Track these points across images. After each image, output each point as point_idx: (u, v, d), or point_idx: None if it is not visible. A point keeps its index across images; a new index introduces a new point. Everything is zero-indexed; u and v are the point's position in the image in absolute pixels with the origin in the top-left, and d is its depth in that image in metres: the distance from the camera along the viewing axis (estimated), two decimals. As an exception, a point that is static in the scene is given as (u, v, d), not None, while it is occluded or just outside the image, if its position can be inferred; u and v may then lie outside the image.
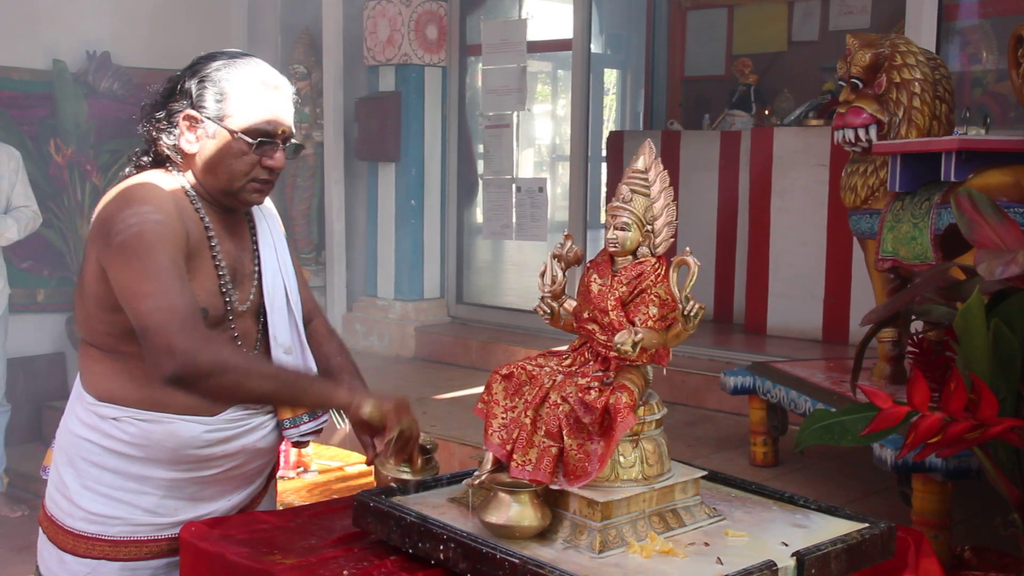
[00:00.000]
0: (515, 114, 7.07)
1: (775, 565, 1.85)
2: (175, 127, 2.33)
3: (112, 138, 6.96)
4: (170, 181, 2.33)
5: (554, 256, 2.17)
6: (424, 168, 7.38)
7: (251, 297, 2.46)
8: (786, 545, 1.98)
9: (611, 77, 11.17)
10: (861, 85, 3.92)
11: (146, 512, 2.34)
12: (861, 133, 3.87)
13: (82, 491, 2.34)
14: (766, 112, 7.66)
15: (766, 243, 6.37)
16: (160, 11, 7.46)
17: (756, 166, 6.48)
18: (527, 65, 6.97)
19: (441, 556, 1.95)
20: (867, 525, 2.08)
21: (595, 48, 8.34)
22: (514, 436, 2.05)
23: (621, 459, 2.02)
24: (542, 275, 2.17)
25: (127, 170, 2.41)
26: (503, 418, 2.09)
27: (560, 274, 2.17)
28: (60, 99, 7.04)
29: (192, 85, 2.32)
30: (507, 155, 7.09)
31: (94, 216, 2.30)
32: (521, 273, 8.59)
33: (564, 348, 2.19)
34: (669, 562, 1.91)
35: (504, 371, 2.13)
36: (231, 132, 2.31)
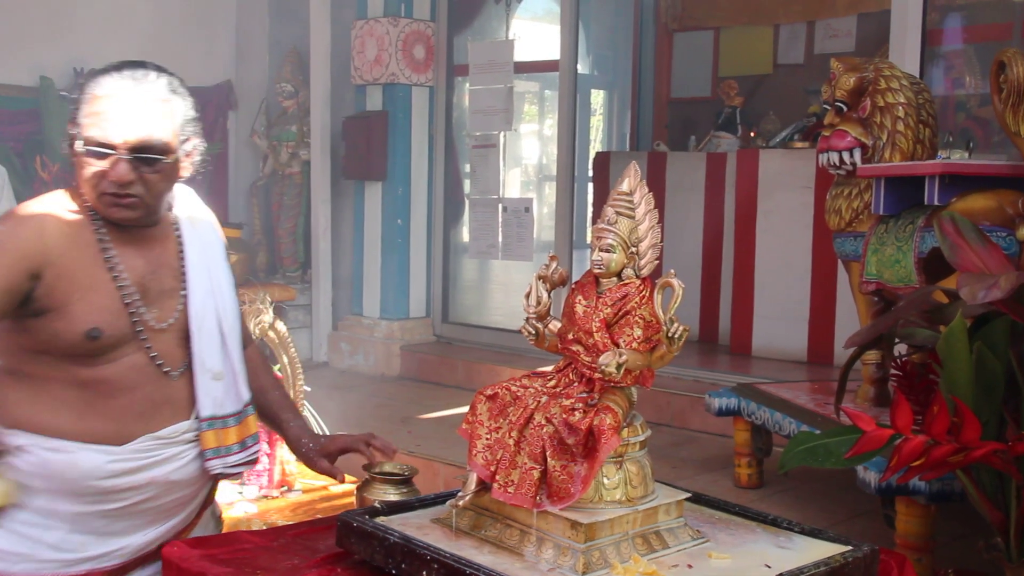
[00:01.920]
0: (502, 134, 7.09)
1: (758, 587, 1.84)
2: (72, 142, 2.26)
3: (98, 155, 6.95)
4: (65, 200, 2.27)
5: (539, 277, 2.18)
6: (411, 187, 7.38)
7: (175, 316, 2.34)
8: (769, 567, 1.98)
9: (598, 98, 11.21)
10: (846, 108, 3.94)
11: (51, 548, 2.22)
12: (845, 156, 3.90)
13: None
14: (752, 134, 7.70)
15: (751, 264, 6.39)
16: (148, 29, 7.46)
17: (741, 188, 6.50)
18: (514, 85, 7.00)
19: (424, 577, 1.94)
20: (850, 548, 2.08)
21: (582, 69, 8.37)
22: (498, 457, 2.04)
23: (605, 480, 2.02)
24: (527, 296, 2.17)
25: None
26: (487, 439, 2.08)
27: (545, 295, 2.17)
28: (46, 115, 7.03)
29: (75, 98, 2.26)
30: (494, 175, 7.11)
31: None
32: (507, 293, 8.60)
33: (549, 369, 2.19)
34: (652, 584, 1.91)
35: (489, 392, 2.13)
36: (76, 145, 2.22)
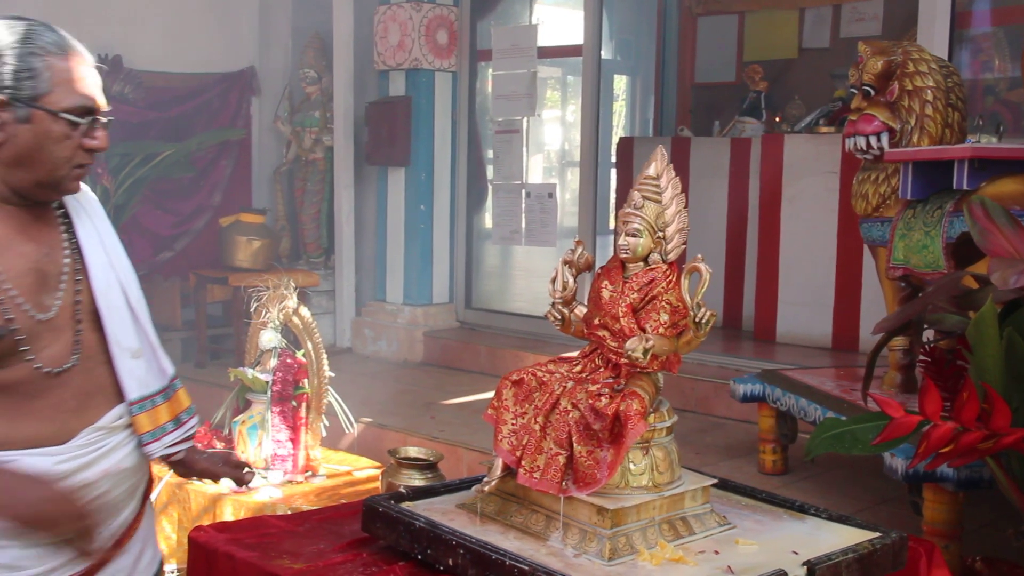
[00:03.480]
0: (525, 119, 7.07)
1: (786, 574, 1.84)
2: None
3: (123, 141, 6.96)
4: None
5: (565, 262, 2.17)
6: (434, 173, 7.38)
7: (79, 298, 2.11)
8: (796, 554, 1.97)
9: (621, 83, 11.17)
10: (873, 92, 3.91)
11: (6, 569, 2.00)
12: (873, 141, 3.86)
13: None
14: (776, 119, 7.65)
15: (776, 250, 6.36)
16: (172, 15, 7.47)
17: (766, 173, 6.46)
18: (537, 71, 6.97)
19: (450, 562, 1.94)
20: (879, 535, 2.07)
21: (605, 54, 8.34)
22: (523, 442, 2.04)
23: (631, 466, 2.01)
24: (553, 281, 2.17)
25: None
26: (513, 424, 2.08)
27: (571, 280, 2.16)
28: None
29: None
30: (517, 160, 7.09)
31: None
32: (530, 279, 8.59)
33: (574, 354, 2.18)
34: (679, 570, 1.90)
35: (514, 377, 2.12)
36: (52, 113, 1.96)
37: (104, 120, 2.05)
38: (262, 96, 8.34)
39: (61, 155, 2.00)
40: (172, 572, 3.89)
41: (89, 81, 2.02)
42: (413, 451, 2.52)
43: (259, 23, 8.40)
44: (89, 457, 2.07)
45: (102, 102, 2.04)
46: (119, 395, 2.15)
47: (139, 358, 2.18)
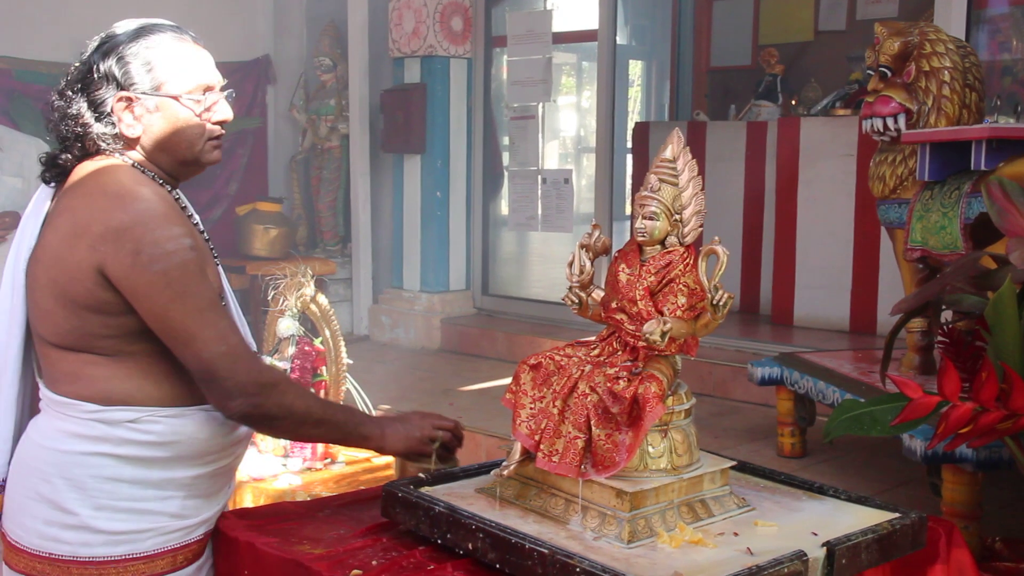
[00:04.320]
0: (540, 105, 7.06)
1: (805, 555, 1.84)
2: (107, 115, 2.13)
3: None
4: (133, 174, 2.15)
5: (582, 246, 2.17)
6: (450, 160, 7.38)
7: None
8: (816, 535, 1.97)
9: (636, 68, 11.14)
10: (890, 74, 3.89)
11: (173, 517, 2.15)
12: (890, 122, 3.85)
13: (97, 513, 2.09)
14: (793, 102, 7.62)
15: (793, 233, 6.34)
16: (187, 4, 7.48)
17: (783, 157, 6.45)
18: (552, 56, 6.97)
19: (470, 546, 1.95)
20: (898, 515, 2.07)
21: (620, 39, 8.31)
22: (542, 426, 2.04)
23: (650, 449, 2.02)
24: (570, 265, 2.17)
25: (44, 175, 2.22)
26: (531, 408, 2.08)
27: (588, 264, 2.16)
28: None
29: (111, 66, 2.13)
30: (532, 147, 7.09)
31: (85, 216, 2.05)
32: (547, 265, 8.59)
33: (592, 338, 2.18)
34: (699, 552, 1.90)
35: (532, 361, 2.12)
36: (175, 97, 2.15)
37: (224, 92, 2.24)
38: (277, 85, 8.36)
39: (193, 133, 2.18)
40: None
41: (203, 62, 2.21)
42: None
43: (274, 11, 8.41)
44: None
45: (218, 78, 2.22)
46: None
47: None
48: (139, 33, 2.17)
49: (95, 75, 2.14)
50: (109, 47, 2.15)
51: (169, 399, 2.13)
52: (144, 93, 2.13)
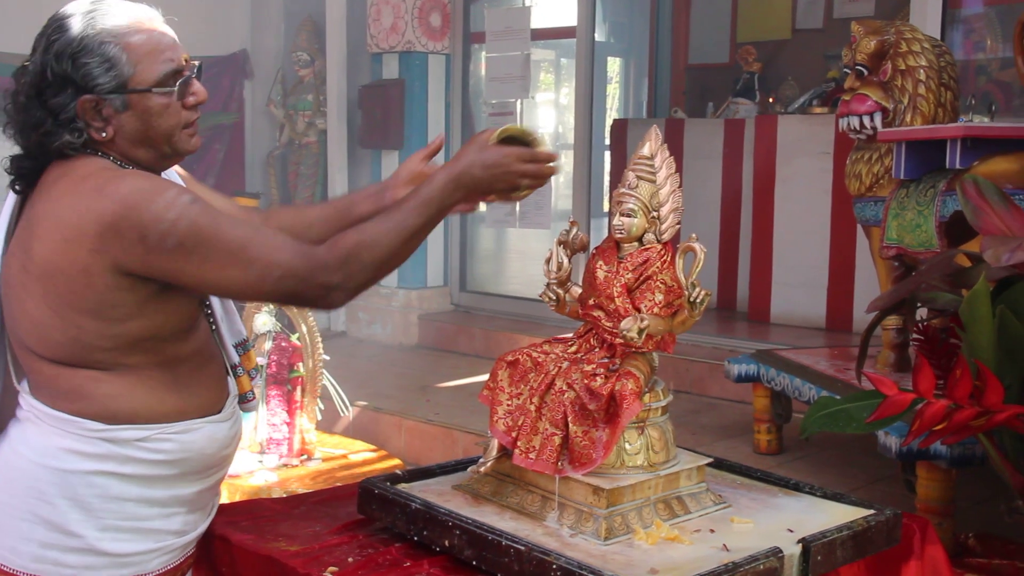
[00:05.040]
0: (519, 102, 7.06)
1: (781, 552, 1.84)
2: (71, 122, 1.93)
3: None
4: (111, 166, 1.98)
5: (560, 242, 2.17)
6: (428, 156, 7.35)
7: None
8: (792, 532, 1.98)
9: (615, 65, 11.16)
10: (866, 72, 3.91)
11: (175, 535, 2.06)
12: (866, 120, 3.87)
13: (102, 535, 1.97)
14: (770, 100, 7.64)
15: (770, 231, 6.37)
16: (163, -2, 7.44)
17: (760, 154, 6.47)
18: (531, 53, 6.96)
19: (446, 543, 1.95)
20: (873, 512, 2.08)
21: (599, 36, 8.32)
22: (519, 423, 2.04)
23: (627, 446, 2.02)
24: (548, 261, 2.17)
25: (14, 185, 2.03)
26: (508, 405, 2.08)
27: (566, 260, 2.17)
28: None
29: (66, 68, 1.92)
30: (510, 143, 7.07)
31: (72, 219, 1.88)
32: (524, 261, 8.59)
33: (570, 335, 2.19)
34: (675, 548, 1.91)
35: (509, 358, 2.12)
36: (144, 92, 1.96)
37: (194, 70, 2.05)
38: (255, 79, 8.32)
39: (169, 124, 2.01)
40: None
41: (166, 43, 2.01)
42: (514, 131, 2.25)
43: (251, 5, 8.37)
44: (237, 423, 2.19)
45: (182, 54, 2.03)
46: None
47: (225, 318, 2.25)
48: (88, 23, 1.94)
49: (49, 79, 1.93)
50: (60, 47, 1.92)
51: (175, 413, 2.02)
52: (110, 93, 1.94)
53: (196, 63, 2.06)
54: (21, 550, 1.96)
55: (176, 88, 1.99)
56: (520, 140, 2.13)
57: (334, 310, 1.90)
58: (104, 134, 1.96)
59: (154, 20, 2.03)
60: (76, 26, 1.94)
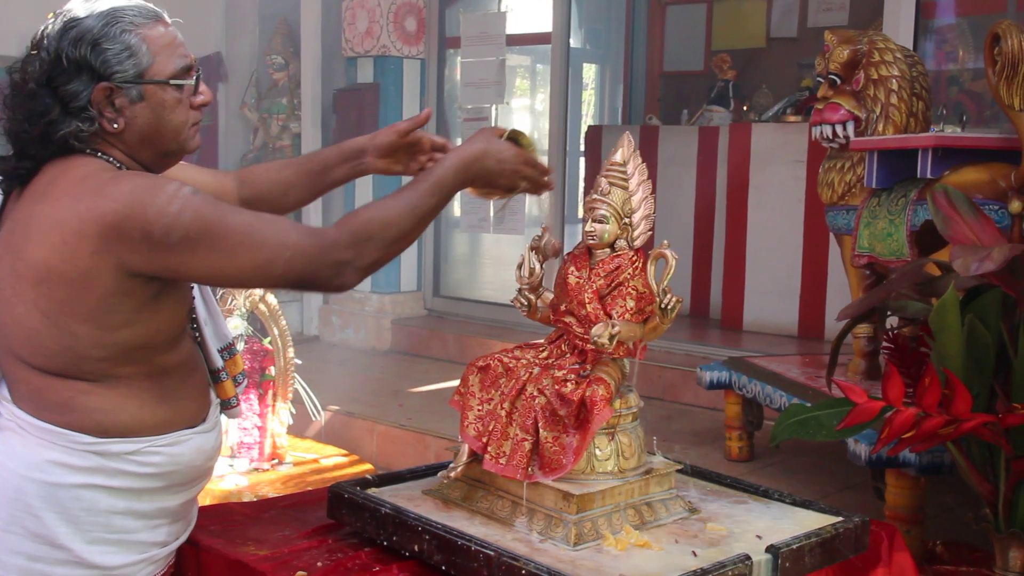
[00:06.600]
0: (494, 107, 7.06)
1: (749, 558, 1.85)
2: (82, 110, 1.91)
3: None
4: (108, 167, 1.94)
5: (532, 248, 2.17)
6: (402, 160, 7.34)
7: None
8: (760, 538, 1.99)
9: (590, 72, 11.17)
10: (839, 81, 3.93)
11: (160, 545, 2.05)
12: (839, 129, 3.89)
13: (90, 547, 1.93)
14: (744, 108, 7.68)
15: (743, 238, 6.39)
16: None
17: (734, 162, 6.49)
18: (506, 58, 6.97)
19: (416, 548, 1.94)
20: (841, 519, 2.09)
21: (574, 42, 8.33)
22: (489, 428, 2.04)
23: (597, 452, 2.02)
24: (520, 267, 2.17)
25: (3, 185, 2.00)
26: (479, 410, 2.08)
27: (538, 266, 2.17)
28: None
29: (84, 54, 1.89)
30: (485, 148, 7.06)
31: (71, 221, 1.83)
32: (498, 267, 8.59)
33: (541, 341, 2.19)
34: (644, 555, 1.91)
35: (481, 363, 2.12)
36: (161, 84, 1.96)
37: (200, 71, 2.07)
38: (229, 82, 8.29)
39: (179, 120, 2.01)
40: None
41: (180, 39, 2.02)
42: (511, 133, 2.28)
43: (226, 8, 8.34)
44: (218, 429, 2.16)
45: (195, 57, 2.05)
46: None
47: (208, 323, 2.23)
48: (111, 14, 1.92)
49: (64, 65, 1.89)
50: (79, 33, 1.90)
51: (164, 425, 1.99)
52: (127, 82, 1.92)
53: (200, 69, 2.07)
54: (8, 563, 1.93)
55: (192, 82, 2.01)
56: (521, 146, 2.17)
57: (344, 291, 1.85)
58: (116, 125, 1.94)
59: (167, 18, 2.04)
60: (96, 14, 1.92)
